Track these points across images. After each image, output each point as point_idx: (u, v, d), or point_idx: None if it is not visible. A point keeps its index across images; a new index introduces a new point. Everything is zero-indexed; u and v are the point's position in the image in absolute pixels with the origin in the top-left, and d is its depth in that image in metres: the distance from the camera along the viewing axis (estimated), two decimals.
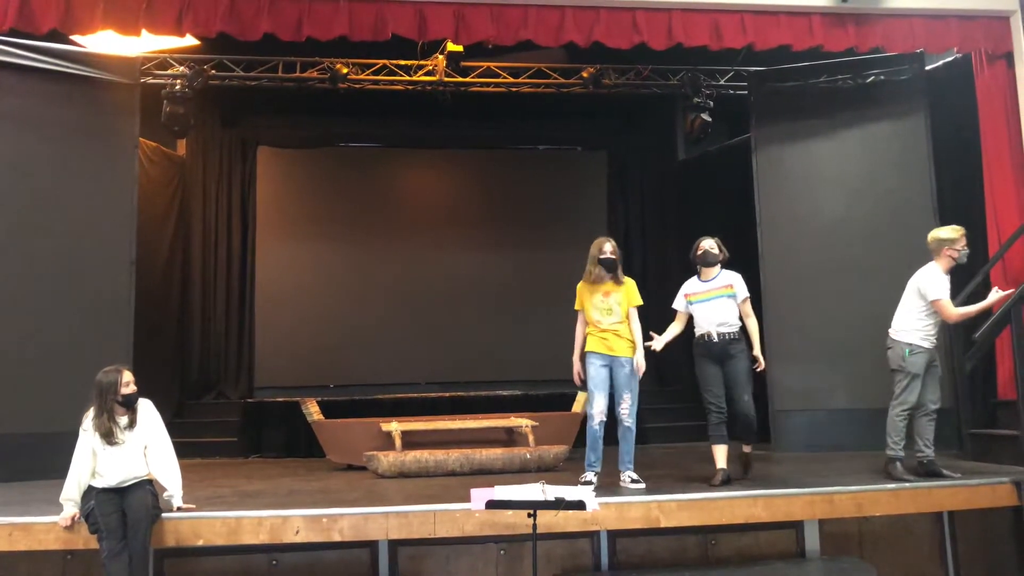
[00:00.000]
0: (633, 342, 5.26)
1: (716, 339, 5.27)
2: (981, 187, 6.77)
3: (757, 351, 5.33)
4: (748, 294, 5.42)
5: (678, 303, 5.51)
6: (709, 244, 5.45)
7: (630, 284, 5.38)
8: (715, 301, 5.32)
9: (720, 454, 5.24)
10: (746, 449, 5.57)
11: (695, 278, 5.49)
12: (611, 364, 5.24)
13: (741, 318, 5.37)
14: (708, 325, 5.30)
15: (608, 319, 5.26)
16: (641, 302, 5.34)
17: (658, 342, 5.31)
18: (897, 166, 7.40)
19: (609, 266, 5.28)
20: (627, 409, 5.18)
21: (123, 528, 4.17)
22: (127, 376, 4.39)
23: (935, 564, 5.33)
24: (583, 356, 5.36)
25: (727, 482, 5.11)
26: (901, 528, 5.27)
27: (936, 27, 6.66)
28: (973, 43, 6.74)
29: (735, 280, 5.40)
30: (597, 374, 5.23)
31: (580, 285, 5.42)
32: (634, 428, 5.22)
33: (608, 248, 5.32)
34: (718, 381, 5.29)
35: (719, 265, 5.44)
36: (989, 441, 6.10)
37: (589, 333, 5.33)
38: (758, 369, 5.35)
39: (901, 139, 7.44)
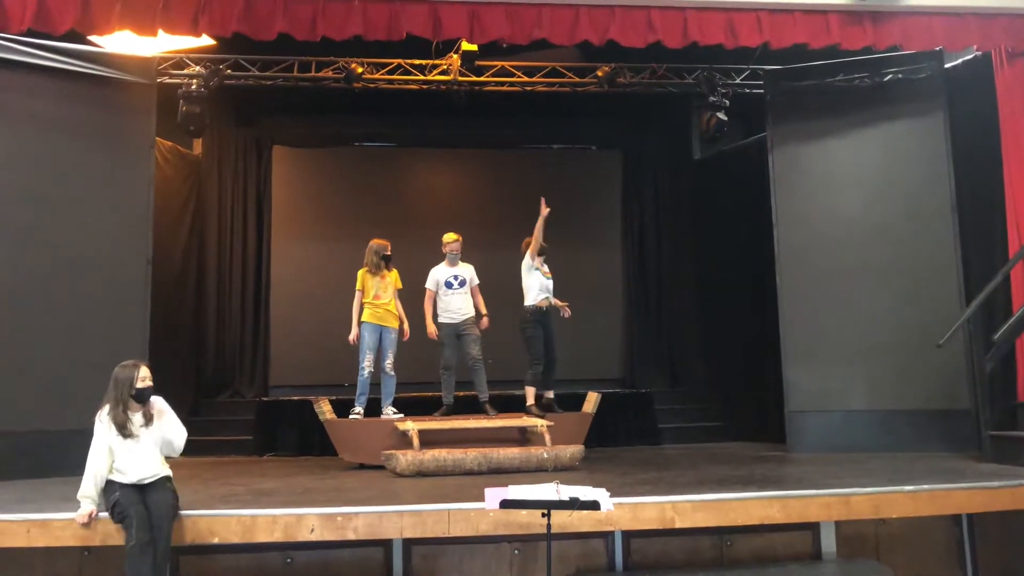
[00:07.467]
0: None
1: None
2: (1001, 186, 6.70)
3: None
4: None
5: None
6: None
7: None
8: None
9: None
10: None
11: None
12: None
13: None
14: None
15: None
16: None
17: None
18: (915, 165, 7.34)
19: None
20: None
21: (150, 520, 4.19)
22: (144, 371, 4.42)
23: (953, 567, 5.27)
24: None
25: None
26: (918, 530, 5.22)
27: (955, 25, 6.58)
28: (993, 41, 6.67)
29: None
30: None
31: None
32: None
33: None
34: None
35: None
36: (1009, 443, 6.02)
37: None
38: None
39: (919, 138, 7.36)
